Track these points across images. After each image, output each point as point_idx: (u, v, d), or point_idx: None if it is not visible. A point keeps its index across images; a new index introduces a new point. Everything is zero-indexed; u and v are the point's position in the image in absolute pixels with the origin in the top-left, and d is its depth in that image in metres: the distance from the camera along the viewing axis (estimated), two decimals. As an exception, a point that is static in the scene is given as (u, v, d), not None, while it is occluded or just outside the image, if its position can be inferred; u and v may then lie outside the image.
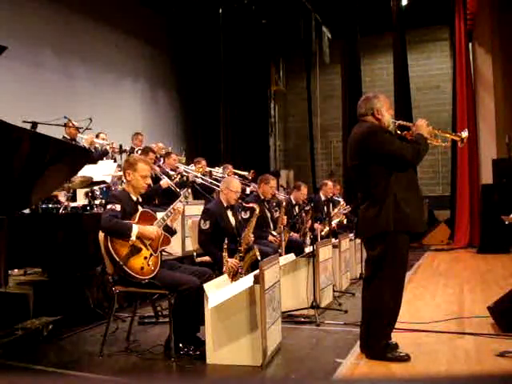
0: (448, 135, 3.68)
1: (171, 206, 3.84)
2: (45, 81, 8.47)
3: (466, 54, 10.71)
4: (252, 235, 4.87)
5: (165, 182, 6.37)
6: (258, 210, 5.03)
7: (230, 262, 4.55)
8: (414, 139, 3.43)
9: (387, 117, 3.45)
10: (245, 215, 5.30)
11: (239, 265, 4.61)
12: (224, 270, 4.50)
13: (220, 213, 4.89)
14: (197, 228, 4.89)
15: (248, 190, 7.31)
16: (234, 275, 4.54)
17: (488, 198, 9.38)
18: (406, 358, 3.29)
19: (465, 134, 3.53)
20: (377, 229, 3.34)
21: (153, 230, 3.61)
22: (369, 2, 11.58)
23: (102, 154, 6.79)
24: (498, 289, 5.32)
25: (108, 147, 6.90)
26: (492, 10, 10.45)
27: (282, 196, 7.46)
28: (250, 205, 5.26)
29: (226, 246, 4.51)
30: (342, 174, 12.42)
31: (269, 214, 6.04)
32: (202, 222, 4.79)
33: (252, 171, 8.13)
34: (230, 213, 4.99)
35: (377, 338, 3.33)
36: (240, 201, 5.61)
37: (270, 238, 5.80)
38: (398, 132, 3.57)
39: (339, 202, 7.96)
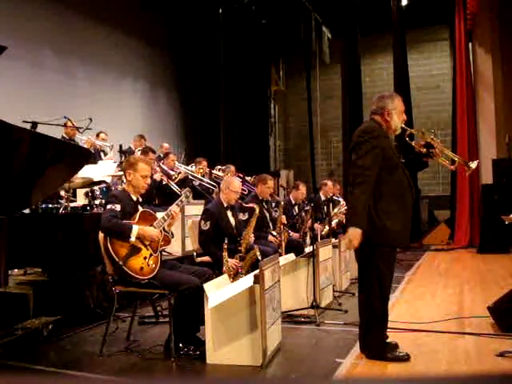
0: (457, 158, 3.62)
1: (172, 205, 3.83)
2: (45, 81, 8.47)
3: (466, 54, 10.71)
4: (252, 235, 4.87)
5: (158, 175, 6.38)
6: (257, 210, 5.03)
7: (230, 262, 4.55)
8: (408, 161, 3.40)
9: (396, 121, 3.38)
10: (243, 217, 5.29)
11: (239, 265, 4.61)
12: (224, 270, 4.50)
13: (220, 213, 4.90)
14: (197, 228, 4.89)
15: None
16: (235, 275, 4.54)
17: (488, 198, 9.38)
18: (405, 358, 3.28)
19: (473, 164, 3.52)
20: None
21: (153, 232, 3.60)
22: (369, 2, 11.58)
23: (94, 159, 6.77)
24: (498, 289, 5.31)
25: (110, 153, 6.91)
26: (492, 10, 10.45)
27: (279, 197, 7.47)
28: (250, 205, 5.26)
29: (225, 247, 4.51)
30: (341, 173, 12.42)
31: (267, 214, 6.04)
32: (203, 222, 4.79)
33: (254, 176, 8.12)
34: (229, 213, 4.99)
35: (374, 337, 3.34)
36: (240, 201, 5.60)
37: (270, 237, 5.80)
38: (407, 139, 3.54)
39: (339, 201, 7.96)
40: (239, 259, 4.65)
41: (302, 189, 6.99)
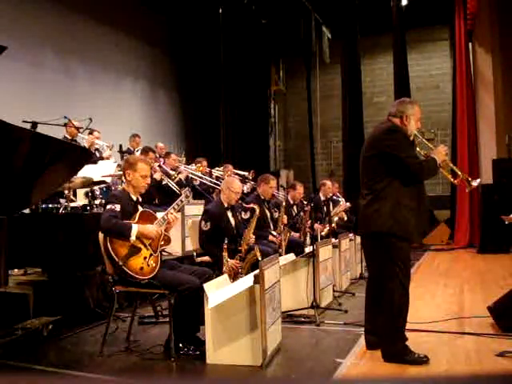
0: (460, 173, 3.65)
1: (172, 205, 3.83)
2: (45, 81, 8.47)
3: (466, 54, 10.71)
4: (253, 236, 4.86)
5: (158, 174, 6.37)
6: (258, 211, 5.03)
7: (231, 263, 4.55)
8: (426, 159, 3.44)
9: (413, 127, 3.44)
10: (245, 215, 5.30)
11: (240, 265, 4.61)
12: (224, 270, 4.50)
13: (220, 213, 4.90)
14: (197, 228, 4.90)
15: (245, 189, 7.26)
16: (235, 276, 4.54)
17: (488, 198, 9.38)
18: (425, 361, 3.22)
19: (475, 183, 3.55)
20: (373, 227, 3.34)
21: (152, 229, 3.60)
22: (369, 2, 11.58)
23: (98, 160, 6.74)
24: (498, 289, 5.31)
25: (106, 154, 6.88)
26: (492, 10, 10.45)
27: (281, 196, 7.46)
28: (251, 205, 5.26)
29: (225, 247, 4.51)
30: (342, 173, 12.42)
31: (268, 214, 6.04)
32: (203, 223, 4.80)
33: (252, 171, 8.14)
34: (230, 213, 5.00)
35: (392, 338, 3.30)
36: (240, 201, 5.60)
37: (271, 237, 5.80)
38: (418, 149, 3.56)
39: (339, 201, 7.95)
40: (239, 259, 4.65)
41: (299, 188, 6.98)
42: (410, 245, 3.42)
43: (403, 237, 3.32)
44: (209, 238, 4.76)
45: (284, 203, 6.31)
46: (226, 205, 4.97)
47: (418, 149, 3.57)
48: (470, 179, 3.57)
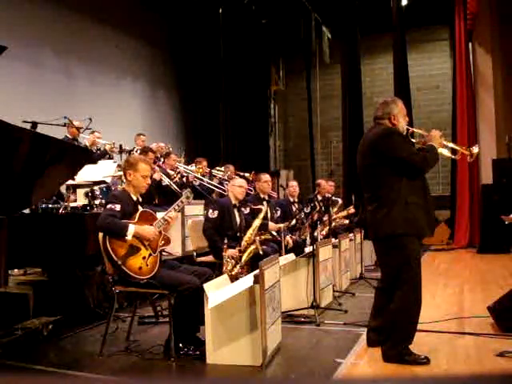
0: (459, 148, 3.69)
1: (172, 206, 3.83)
2: (45, 81, 8.46)
3: (466, 54, 10.71)
4: (252, 238, 4.88)
5: (157, 174, 6.36)
6: (263, 212, 5.08)
7: (230, 251, 4.61)
8: (424, 148, 3.45)
9: (402, 123, 3.49)
10: (245, 210, 5.36)
11: (239, 254, 4.65)
12: (224, 270, 4.51)
13: (228, 207, 5.12)
14: (197, 228, 4.93)
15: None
16: (234, 266, 4.57)
17: (488, 198, 9.38)
18: (425, 362, 3.22)
19: (476, 149, 3.57)
20: (385, 230, 3.34)
21: (150, 230, 3.60)
22: (369, 2, 11.58)
23: (101, 155, 6.75)
24: (498, 289, 5.32)
25: (108, 147, 6.86)
26: (492, 10, 10.45)
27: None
28: (259, 207, 5.29)
29: (226, 247, 4.54)
30: (342, 173, 12.42)
31: (269, 213, 6.03)
32: (210, 211, 5.03)
33: (253, 172, 8.14)
34: (236, 211, 5.17)
35: (398, 340, 3.28)
36: (249, 204, 5.65)
37: (270, 226, 5.74)
38: (413, 140, 3.59)
39: (337, 201, 7.94)
40: (239, 246, 4.69)
41: (292, 183, 7.06)
42: (420, 242, 3.46)
43: (415, 234, 3.35)
44: (213, 226, 4.95)
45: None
46: (233, 201, 5.20)
47: (413, 140, 3.60)
48: (470, 148, 3.59)
